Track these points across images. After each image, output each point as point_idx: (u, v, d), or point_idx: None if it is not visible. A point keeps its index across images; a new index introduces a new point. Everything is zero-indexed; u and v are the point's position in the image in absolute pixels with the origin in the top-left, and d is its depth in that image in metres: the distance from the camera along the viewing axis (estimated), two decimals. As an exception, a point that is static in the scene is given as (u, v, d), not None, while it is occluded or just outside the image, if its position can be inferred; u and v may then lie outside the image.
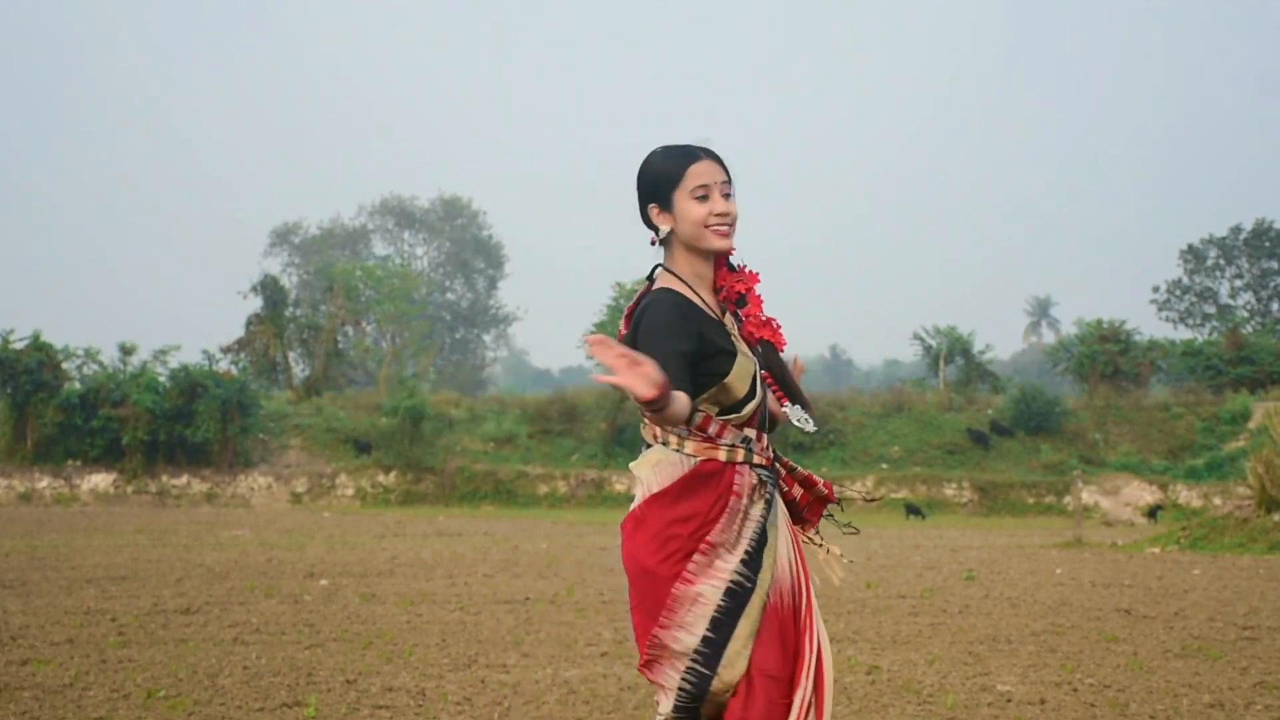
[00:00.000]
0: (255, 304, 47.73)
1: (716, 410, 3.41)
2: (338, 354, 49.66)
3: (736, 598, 3.32)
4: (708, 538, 3.34)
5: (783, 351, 3.59)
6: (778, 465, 3.54)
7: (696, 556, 3.33)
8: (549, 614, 10.15)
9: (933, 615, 10.25)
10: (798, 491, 3.60)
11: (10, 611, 9.70)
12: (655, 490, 3.37)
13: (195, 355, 49.78)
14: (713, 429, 3.39)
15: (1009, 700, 6.62)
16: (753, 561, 3.35)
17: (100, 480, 37.47)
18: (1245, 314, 63.19)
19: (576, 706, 6.41)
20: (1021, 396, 41.63)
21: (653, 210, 3.49)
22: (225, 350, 45.39)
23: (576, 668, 7.57)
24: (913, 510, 32.61)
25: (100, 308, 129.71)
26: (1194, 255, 65.91)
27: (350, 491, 37.66)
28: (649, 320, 3.37)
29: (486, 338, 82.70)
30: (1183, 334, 60.89)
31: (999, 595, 11.80)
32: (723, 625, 3.31)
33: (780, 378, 3.58)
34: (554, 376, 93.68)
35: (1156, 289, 65.79)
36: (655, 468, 3.39)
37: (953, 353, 47.70)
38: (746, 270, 3.56)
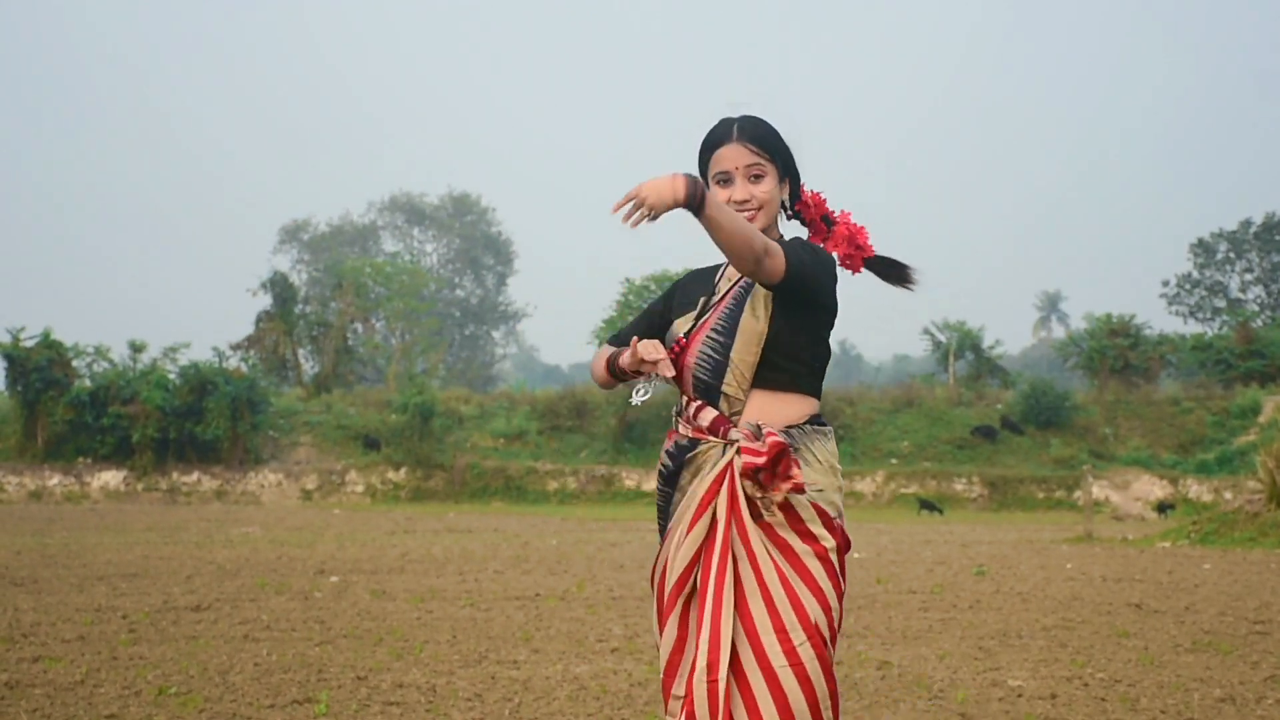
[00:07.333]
0: (265, 301, 47.90)
1: None
2: (347, 351, 49.71)
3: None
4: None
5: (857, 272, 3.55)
6: (736, 433, 3.21)
7: None
8: (559, 610, 10.16)
9: (943, 610, 10.25)
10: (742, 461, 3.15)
11: (21, 609, 9.72)
12: None
13: (205, 353, 49.76)
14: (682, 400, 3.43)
15: (1020, 695, 6.62)
16: (663, 533, 3.38)
17: (110, 478, 37.56)
18: (1255, 308, 63.08)
19: (587, 703, 6.40)
20: (1031, 391, 41.57)
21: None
22: (235, 347, 45.48)
23: (587, 664, 7.57)
24: (929, 506, 32.28)
25: (110, 305, 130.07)
26: (1204, 249, 65.76)
27: (360, 488, 37.71)
28: None
29: (496, 334, 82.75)
30: (1193, 328, 60.81)
31: (1009, 590, 11.79)
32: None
33: (777, 346, 3.25)
34: (563, 373, 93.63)
35: (1166, 283, 65.74)
36: None
37: (962, 348, 47.65)
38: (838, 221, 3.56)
